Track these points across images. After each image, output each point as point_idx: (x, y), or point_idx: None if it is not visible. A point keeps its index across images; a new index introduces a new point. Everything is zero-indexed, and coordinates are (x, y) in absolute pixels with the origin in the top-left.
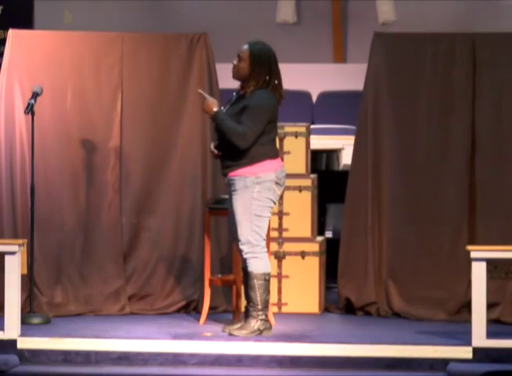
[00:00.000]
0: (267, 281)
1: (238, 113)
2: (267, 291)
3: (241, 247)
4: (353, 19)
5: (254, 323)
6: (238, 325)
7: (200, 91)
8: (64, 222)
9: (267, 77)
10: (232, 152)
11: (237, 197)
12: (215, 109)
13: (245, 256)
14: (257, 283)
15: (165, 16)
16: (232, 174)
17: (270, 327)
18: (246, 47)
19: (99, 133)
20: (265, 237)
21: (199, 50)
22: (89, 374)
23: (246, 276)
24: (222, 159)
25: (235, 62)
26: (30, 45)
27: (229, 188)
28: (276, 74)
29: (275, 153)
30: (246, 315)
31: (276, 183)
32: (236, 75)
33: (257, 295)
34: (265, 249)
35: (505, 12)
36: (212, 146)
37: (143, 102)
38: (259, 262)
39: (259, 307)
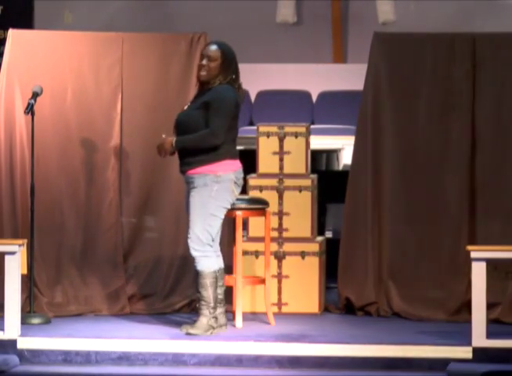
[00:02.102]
0: (216, 279)
1: (200, 107)
2: (216, 288)
3: (190, 244)
4: (353, 19)
5: (207, 321)
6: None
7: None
8: (64, 222)
9: (233, 76)
10: (192, 149)
11: (195, 195)
12: (172, 142)
13: (194, 254)
14: (208, 281)
15: (165, 16)
16: (192, 172)
17: (224, 325)
18: (215, 47)
19: (99, 133)
20: (214, 238)
21: (199, 50)
22: (89, 374)
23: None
24: (181, 156)
25: (204, 62)
26: (30, 45)
27: (188, 186)
28: (239, 75)
29: (235, 154)
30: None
31: (235, 183)
32: (207, 76)
33: (210, 293)
34: (214, 249)
35: (505, 12)
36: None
37: (143, 102)
38: (208, 261)
39: (212, 305)
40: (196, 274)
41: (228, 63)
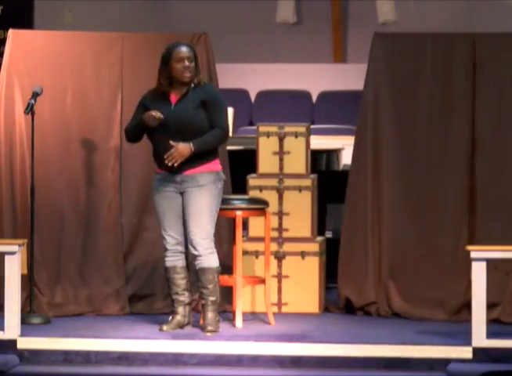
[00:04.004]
0: (218, 275)
1: (198, 107)
2: (217, 284)
3: (202, 242)
4: (353, 19)
5: (215, 316)
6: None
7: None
8: (64, 222)
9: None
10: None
11: (202, 193)
12: (191, 147)
13: (202, 252)
14: (216, 277)
15: (165, 16)
16: (193, 170)
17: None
18: (188, 48)
19: (99, 133)
20: None
21: (199, 50)
22: (89, 374)
23: (198, 272)
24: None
25: (187, 64)
26: (30, 45)
27: (179, 186)
28: None
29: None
30: (204, 311)
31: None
32: (191, 76)
33: (217, 289)
34: None
35: (505, 12)
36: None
37: None
38: (214, 257)
39: (218, 301)
40: (197, 273)
41: (198, 61)
